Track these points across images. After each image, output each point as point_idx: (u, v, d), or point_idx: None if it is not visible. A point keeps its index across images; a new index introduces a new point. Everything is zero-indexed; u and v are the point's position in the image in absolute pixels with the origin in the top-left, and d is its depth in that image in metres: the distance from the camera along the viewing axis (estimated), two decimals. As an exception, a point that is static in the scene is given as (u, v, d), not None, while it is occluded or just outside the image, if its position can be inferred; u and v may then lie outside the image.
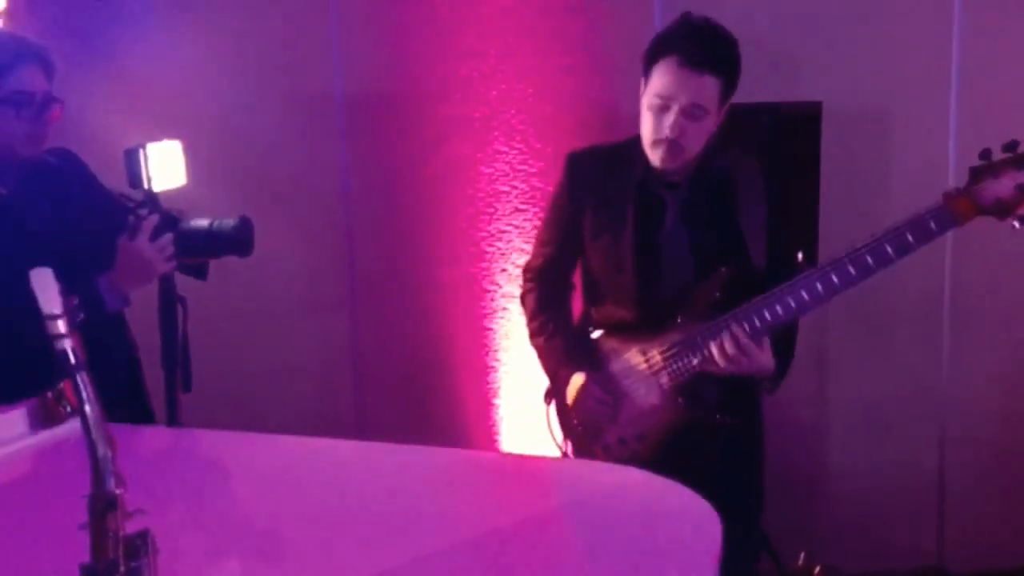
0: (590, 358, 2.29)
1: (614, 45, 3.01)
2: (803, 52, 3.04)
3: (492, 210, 3.10)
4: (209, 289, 2.93)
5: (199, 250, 2.07)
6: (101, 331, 2.10)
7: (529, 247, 3.04)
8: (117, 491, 0.96)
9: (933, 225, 1.94)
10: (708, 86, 2.06)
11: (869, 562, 3.18)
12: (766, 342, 2.09)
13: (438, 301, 3.14)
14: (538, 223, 3.06)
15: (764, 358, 2.09)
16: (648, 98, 2.10)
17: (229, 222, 2.06)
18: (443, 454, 1.91)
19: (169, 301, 2.13)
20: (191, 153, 2.19)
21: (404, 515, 1.55)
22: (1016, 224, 1.92)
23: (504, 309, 3.12)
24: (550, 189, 3.05)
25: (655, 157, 2.13)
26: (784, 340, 2.17)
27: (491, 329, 3.14)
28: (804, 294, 2.03)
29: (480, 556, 1.39)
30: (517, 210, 3.10)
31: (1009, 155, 1.90)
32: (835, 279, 2.00)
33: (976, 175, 1.93)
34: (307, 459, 1.84)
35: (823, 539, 3.09)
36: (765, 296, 2.07)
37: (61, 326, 0.98)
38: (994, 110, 3.03)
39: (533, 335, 2.40)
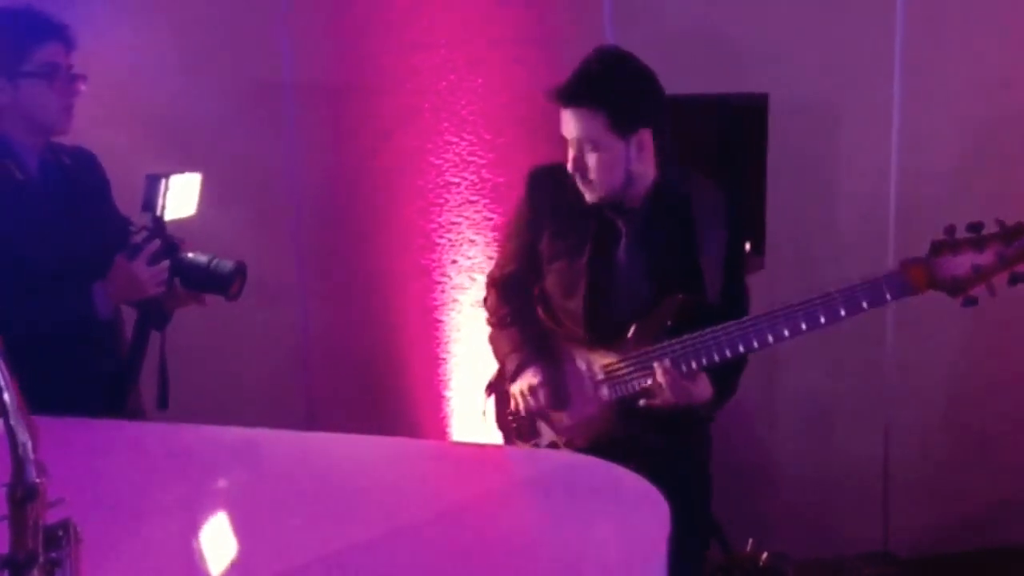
0: (544, 352, 2.29)
1: (565, 36, 3.02)
2: (750, 44, 3.06)
3: (442, 201, 3.09)
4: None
5: (192, 283, 2.13)
6: (92, 336, 2.15)
7: (480, 239, 3.04)
8: (38, 480, 0.93)
9: (888, 294, 1.97)
10: (589, 120, 2.07)
11: (816, 548, 3.22)
12: (702, 376, 2.09)
13: (388, 293, 3.12)
14: (488, 214, 3.07)
15: (698, 391, 2.10)
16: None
17: (227, 264, 2.13)
18: (391, 443, 1.90)
19: (145, 319, 2.19)
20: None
21: (352, 503, 1.54)
22: (962, 305, 1.94)
23: (455, 301, 3.11)
24: (500, 180, 3.06)
25: (580, 188, 2.15)
26: (728, 373, 2.16)
27: (442, 321, 3.13)
28: (753, 340, 2.04)
29: (429, 542, 1.39)
30: (468, 201, 3.09)
31: (972, 235, 1.92)
32: (785, 331, 2.01)
33: (936, 249, 1.95)
34: (256, 449, 1.82)
35: (771, 526, 3.12)
36: (713, 333, 2.06)
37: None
38: (936, 102, 3.09)
39: (491, 327, 2.40)
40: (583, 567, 1.34)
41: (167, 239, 2.12)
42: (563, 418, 2.25)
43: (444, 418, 3.16)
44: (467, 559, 1.36)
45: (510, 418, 2.34)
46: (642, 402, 2.13)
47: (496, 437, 2.43)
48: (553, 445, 2.27)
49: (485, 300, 2.46)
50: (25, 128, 2.12)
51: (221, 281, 2.11)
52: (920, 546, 3.34)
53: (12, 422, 0.93)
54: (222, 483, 1.69)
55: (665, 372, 2.06)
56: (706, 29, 3.02)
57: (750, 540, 2.96)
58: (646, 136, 2.11)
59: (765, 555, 2.93)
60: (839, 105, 3.12)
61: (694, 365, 2.07)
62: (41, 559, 0.93)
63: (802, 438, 3.31)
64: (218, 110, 2.98)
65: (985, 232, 1.92)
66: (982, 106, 3.07)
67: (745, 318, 2.06)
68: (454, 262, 3.11)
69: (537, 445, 2.29)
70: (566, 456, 1.85)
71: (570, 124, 2.09)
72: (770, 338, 2.02)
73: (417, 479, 1.68)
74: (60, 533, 0.95)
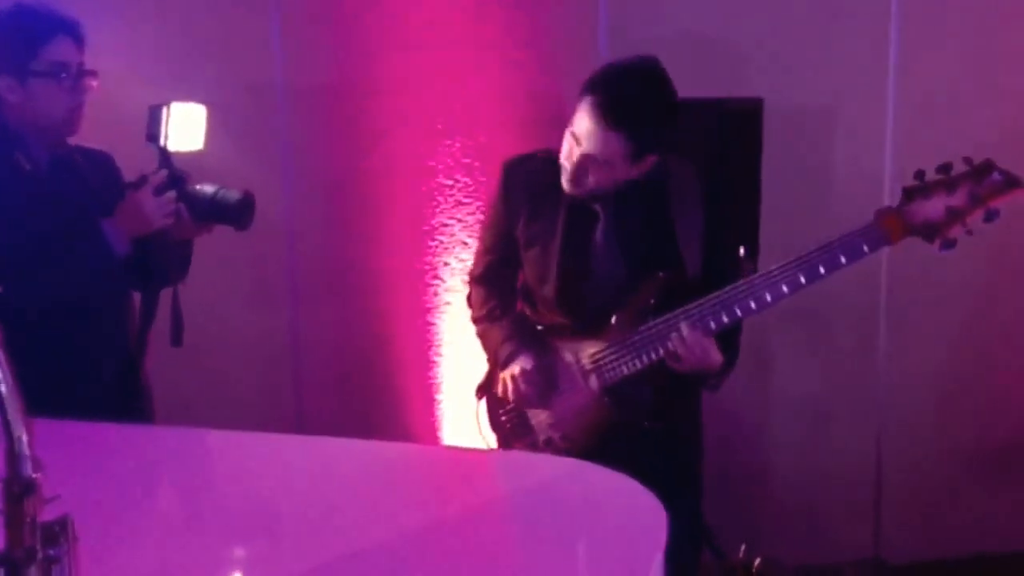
0: (535, 343, 2.28)
1: (560, 38, 3.01)
2: (745, 48, 3.06)
3: (435, 203, 3.08)
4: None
5: (200, 213, 2.11)
6: (99, 322, 2.17)
7: (472, 241, 3.02)
8: (34, 475, 0.92)
9: (865, 246, 1.96)
10: (612, 142, 2.04)
11: (809, 554, 3.22)
12: (711, 340, 2.09)
13: (380, 295, 3.11)
14: (482, 217, 3.05)
15: (714, 352, 2.10)
16: (570, 126, 2.10)
17: (234, 193, 2.11)
18: (384, 448, 1.89)
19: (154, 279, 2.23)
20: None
21: (345, 509, 1.53)
22: (939, 249, 1.93)
23: (447, 303, 3.10)
24: (494, 183, 3.05)
25: (563, 176, 2.13)
26: (729, 339, 2.17)
27: (434, 324, 3.12)
28: (736, 308, 2.04)
29: (421, 549, 1.38)
30: (460, 204, 3.08)
31: (942, 176, 1.92)
32: (767, 296, 2.02)
33: (908, 195, 1.95)
34: (246, 453, 1.81)
35: (763, 532, 3.12)
36: (714, 299, 2.06)
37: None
38: (930, 108, 3.10)
39: (478, 322, 2.39)
40: (579, 575, 1.32)
41: (173, 170, 2.11)
42: (555, 411, 2.24)
43: (436, 421, 3.15)
44: (460, 566, 1.35)
45: (503, 418, 2.33)
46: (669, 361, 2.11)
47: (488, 440, 2.41)
48: (548, 440, 2.26)
49: (469, 298, 2.45)
50: (35, 127, 2.10)
51: (228, 210, 2.10)
52: (911, 552, 3.34)
53: (8, 416, 0.92)
54: (211, 486, 1.67)
55: (690, 330, 2.04)
56: (701, 33, 3.02)
57: (743, 546, 2.95)
58: (651, 159, 2.11)
59: (758, 561, 2.93)
60: (834, 110, 3.12)
61: (712, 325, 2.06)
62: (39, 556, 0.92)
63: (794, 443, 3.31)
64: (209, 112, 2.95)
65: (954, 173, 1.90)
66: (976, 111, 3.08)
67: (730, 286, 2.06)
68: (447, 264, 3.09)
69: (533, 441, 2.27)
70: (561, 462, 1.84)
71: (591, 135, 2.04)
72: (752, 303, 2.02)
73: (409, 484, 1.67)
74: (58, 530, 0.94)
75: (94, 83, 2.13)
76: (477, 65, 3.04)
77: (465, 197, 3.08)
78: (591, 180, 2.10)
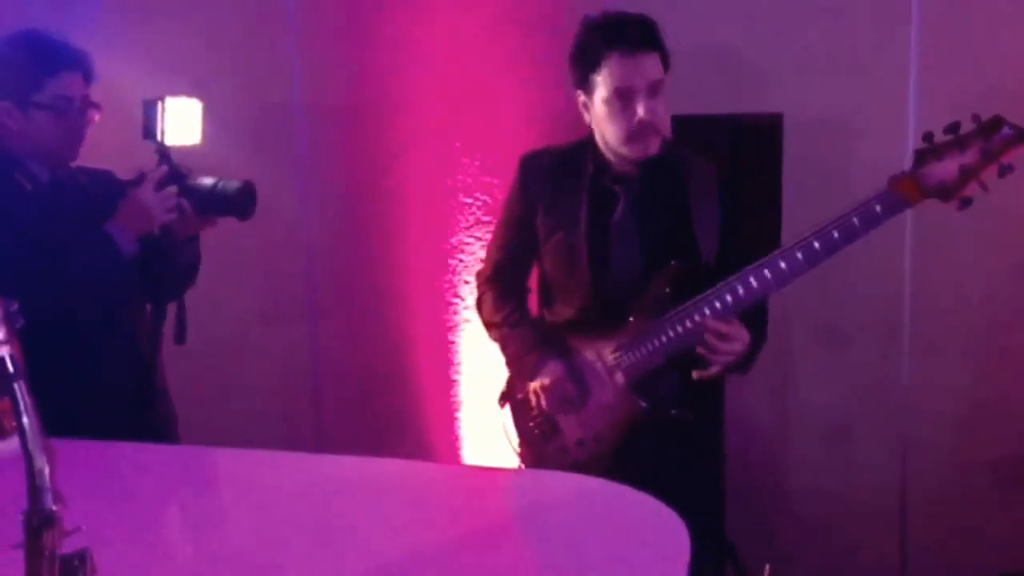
0: (558, 347, 2.27)
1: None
2: (764, 64, 3.05)
3: (454, 222, 3.08)
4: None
5: (201, 206, 2.11)
6: (113, 332, 2.18)
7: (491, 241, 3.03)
8: (54, 507, 0.91)
9: (879, 208, 1.95)
10: (654, 62, 2.10)
11: (834, 573, 3.18)
12: (735, 320, 2.08)
13: (400, 313, 3.11)
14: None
15: (741, 333, 2.08)
16: (607, 99, 2.11)
17: (234, 183, 2.12)
18: (403, 466, 1.88)
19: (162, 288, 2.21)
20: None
21: (364, 528, 1.52)
22: (958, 207, 1.92)
23: (467, 321, 3.09)
24: (511, 180, 3.05)
25: (637, 148, 2.13)
26: (754, 317, 2.15)
27: (453, 342, 3.11)
28: (755, 279, 2.03)
29: (441, 568, 1.36)
30: (479, 222, 3.08)
31: (951, 136, 1.91)
32: (782, 264, 2.01)
33: (920, 158, 1.94)
34: (266, 473, 1.80)
35: (786, 551, 3.08)
36: (731, 279, 2.06)
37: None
38: (952, 119, 3.07)
39: (496, 327, 2.37)
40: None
41: (173, 166, 2.11)
42: (584, 411, 2.23)
43: (456, 440, 3.14)
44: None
45: (531, 424, 2.30)
46: (695, 374, 2.11)
47: (510, 453, 2.39)
48: (580, 441, 2.24)
49: (479, 302, 2.43)
50: (34, 152, 2.11)
51: (229, 200, 2.10)
52: (939, 571, 3.29)
53: (30, 447, 0.91)
54: (233, 506, 1.67)
55: (713, 315, 2.04)
56: (718, 49, 3.01)
57: (767, 567, 2.92)
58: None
59: (782, 580, 2.90)
60: (854, 124, 3.10)
61: (729, 299, 2.05)
62: (58, 589, 0.91)
63: (817, 461, 3.28)
64: (229, 131, 2.97)
65: (963, 131, 1.90)
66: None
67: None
68: (466, 283, 3.09)
69: (563, 444, 2.26)
70: (583, 480, 1.82)
71: (639, 69, 2.08)
72: (767, 273, 2.01)
73: (429, 503, 1.65)
74: (76, 563, 0.94)
75: (96, 117, 2.14)
76: (494, 83, 3.04)
77: (484, 215, 3.08)
78: (660, 122, 2.12)
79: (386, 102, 3.04)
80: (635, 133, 2.11)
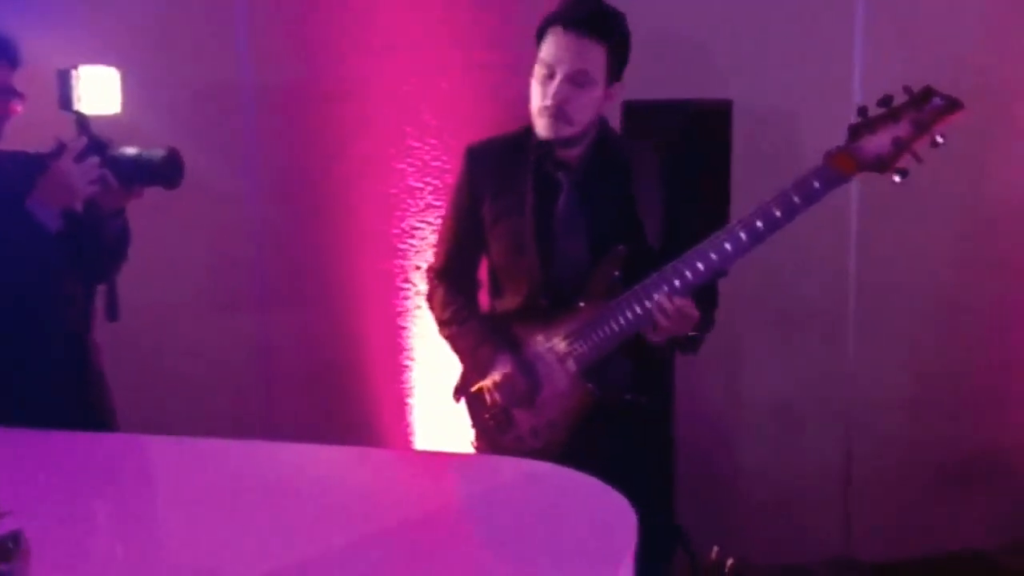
0: (508, 340, 2.27)
1: (526, 41, 3.00)
2: (714, 51, 3.08)
3: (405, 207, 3.07)
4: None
5: (126, 176, 2.05)
6: (41, 314, 2.11)
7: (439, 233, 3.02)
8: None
9: (817, 185, 1.97)
10: (592, 52, 2.08)
11: (781, 554, 3.23)
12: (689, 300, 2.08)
13: (350, 299, 3.09)
14: (451, 220, 3.04)
15: (691, 312, 2.08)
16: (535, 69, 2.13)
17: (158, 152, 2.05)
18: (352, 453, 1.87)
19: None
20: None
21: (314, 513, 1.51)
22: (896, 178, 1.95)
23: (418, 307, 3.08)
24: (457, 170, 3.04)
25: (540, 126, 2.15)
26: (704, 296, 2.16)
27: (404, 328, 3.10)
28: (702, 262, 2.04)
29: (390, 554, 1.36)
30: (430, 206, 3.07)
31: (884, 110, 1.94)
32: (727, 246, 2.02)
33: (855, 132, 1.96)
34: (213, 460, 1.78)
35: (736, 532, 3.12)
36: (677, 262, 2.07)
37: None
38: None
39: (445, 324, 2.37)
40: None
41: (92, 136, 2.05)
42: (537, 400, 2.23)
43: (407, 426, 3.13)
44: (429, 570, 1.33)
45: (486, 415, 2.31)
46: (648, 337, 2.10)
47: (463, 445, 2.39)
48: (533, 430, 2.25)
49: (430, 297, 2.42)
50: None
51: (154, 169, 2.04)
52: (883, 551, 3.36)
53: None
54: (180, 495, 1.65)
55: (661, 295, 2.04)
56: (670, 36, 3.03)
57: (715, 547, 2.96)
58: (617, 90, 2.16)
59: (730, 561, 2.94)
60: (801, 111, 3.14)
61: (678, 284, 2.06)
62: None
63: (765, 444, 3.32)
64: (174, 115, 2.92)
65: (896, 104, 1.93)
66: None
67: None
68: (417, 268, 3.08)
69: (519, 434, 2.26)
70: (532, 464, 1.83)
71: (569, 51, 2.07)
72: (713, 256, 2.02)
73: (379, 489, 1.65)
74: (10, 545, 0.92)
75: (19, 108, 2.08)
76: (445, 67, 3.02)
77: (435, 200, 3.06)
78: (572, 111, 2.11)
79: (337, 84, 3.01)
80: (543, 110, 2.12)
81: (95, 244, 2.13)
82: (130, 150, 2.06)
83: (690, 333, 2.13)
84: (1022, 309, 3.37)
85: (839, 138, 3.17)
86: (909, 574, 3.29)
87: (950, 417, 3.39)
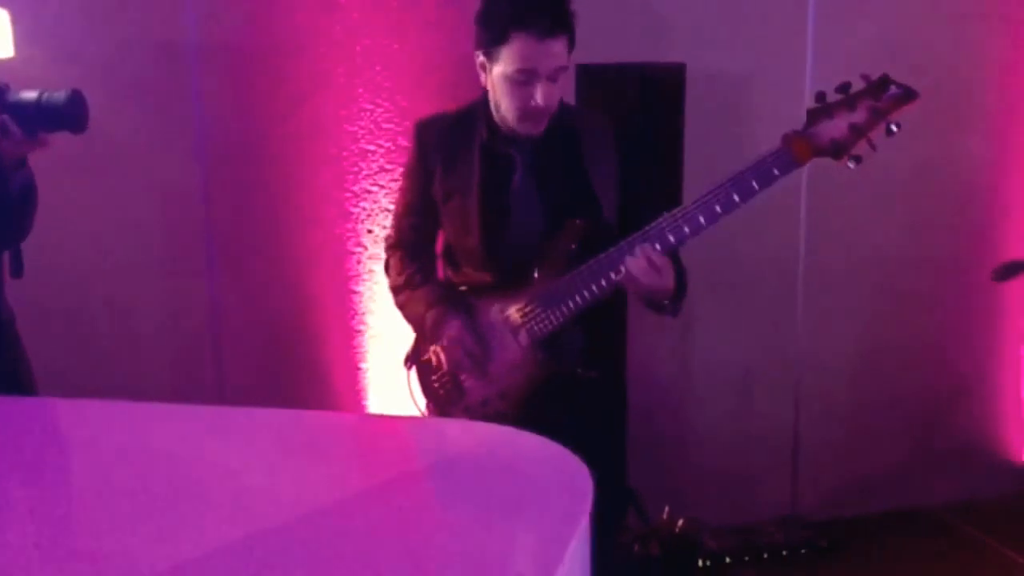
0: (459, 306, 2.26)
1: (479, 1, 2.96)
2: (667, 14, 3.07)
3: (357, 169, 3.03)
4: (59, 255, 2.77)
5: (27, 122, 1.94)
6: None
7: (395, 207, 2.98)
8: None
9: (775, 170, 1.99)
10: (559, 45, 2.08)
11: (731, 514, 3.29)
12: (666, 260, 2.07)
13: (301, 263, 3.05)
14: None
15: (667, 271, 2.08)
16: (508, 76, 2.08)
17: (60, 94, 1.94)
18: (303, 417, 1.85)
19: None
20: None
21: (264, 480, 1.49)
22: (851, 164, 1.97)
23: (370, 271, 3.05)
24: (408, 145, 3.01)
25: (527, 127, 2.14)
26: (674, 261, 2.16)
27: (357, 292, 3.07)
28: (670, 236, 2.04)
29: (347, 518, 1.35)
30: (383, 169, 3.03)
31: (842, 96, 1.96)
32: (686, 228, 2.03)
33: (812, 117, 1.98)
34: (162, 426, 1.75)
35: (687, 495, 3.17)
36: (635, 236, 2.06)
37: None
38: (848, 72, 3.14)
39: (399, 290, 2.36)
40: (504, 541, 1.31)
41: None
42: (488, 371, 2.23)
43: (360, 390, 3.11)
44: (383, 534, 1.33)
45: (436, 384, 2.30)
46: (614, 277, 2.08)
47: (421, 409, 2.39)
48: (484, 400, 2.25)
49: (387, 266, 2.43)
50: None
51: (58, 112, 1.93)
52: (827, 509, 3.43)
53: None
54: (119, 461, 1.61)
55: (644, 252, 2.02)
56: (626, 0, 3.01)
57: (666, 508, 3.00)
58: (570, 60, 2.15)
59: (681, 522, 2.98)
60: (754, 75, 3.15)
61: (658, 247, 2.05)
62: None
63: (716, 409, 3.37)
64: (118, 73, 2.85)
65: (854, 91, 1.95)
66: (893, 75, 3.14)
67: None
68: (369, 231, 3.05)
69: (469, 404, 2.26)
70: (485, 428, 1.82)
71: (543, 54, 2.05)
72: (671, 238, 2.03)
73: (332, 454, 1.63)
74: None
75: None
76: (399, 27, 2.98)
77: (388, 163, 3.03)
78: (553, 103, 2.11)
79: (286, 44, 2.95)
80: (529, 113, 2.11)
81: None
82: (30, 94, 1.94)
83: (664, 302, 2.14)
84: (959, 281, 3.45)
85: (792, 102, 3.21)
86: (855, 532, 3.37)
87: (894, 381, 3.46)
